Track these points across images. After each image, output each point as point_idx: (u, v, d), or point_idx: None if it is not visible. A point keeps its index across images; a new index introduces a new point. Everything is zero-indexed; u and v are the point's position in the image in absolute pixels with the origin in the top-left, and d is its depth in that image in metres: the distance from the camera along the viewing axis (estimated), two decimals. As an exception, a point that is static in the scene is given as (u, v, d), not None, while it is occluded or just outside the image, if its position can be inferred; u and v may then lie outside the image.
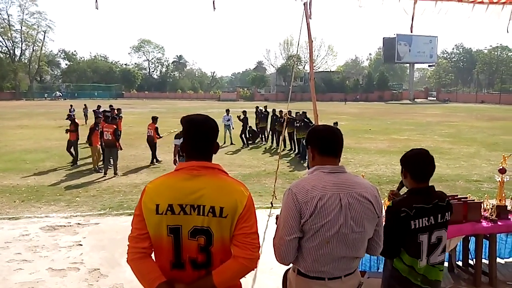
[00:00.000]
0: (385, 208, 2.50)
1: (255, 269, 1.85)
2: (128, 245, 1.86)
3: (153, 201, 1.79)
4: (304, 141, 11.61)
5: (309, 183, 1.97)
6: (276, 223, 2.11)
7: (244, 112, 16.76)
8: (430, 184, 2.53)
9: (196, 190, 1.78)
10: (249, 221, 1.82)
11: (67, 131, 12.01)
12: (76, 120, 12.40)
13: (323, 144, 2.08)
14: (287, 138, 14.89)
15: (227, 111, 17.17)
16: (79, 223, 6.42)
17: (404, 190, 2.93)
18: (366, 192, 2.01)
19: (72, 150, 11.93)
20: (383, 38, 79.91)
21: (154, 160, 12.31)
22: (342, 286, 2.01)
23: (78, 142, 12.08)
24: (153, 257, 1.88)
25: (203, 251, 1.80)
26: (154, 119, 12.56)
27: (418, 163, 2.48)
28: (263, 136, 17.37)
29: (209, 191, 1.79)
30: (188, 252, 1.80)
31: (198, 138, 1.88)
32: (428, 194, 2.47)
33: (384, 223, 2.45)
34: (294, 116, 14.22)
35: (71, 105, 22.85)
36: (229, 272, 1.80)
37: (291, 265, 2.16)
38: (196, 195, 1.78)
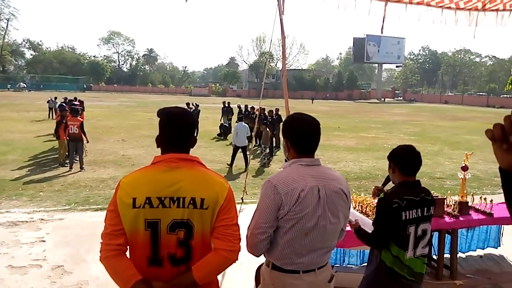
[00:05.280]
0: (366, 202, 2.53)
1: (236, 261, 1.81)
2: (101, 242, 1.77)
3: (129, 195, 1.72)
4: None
5: (289, 175, 1.98)
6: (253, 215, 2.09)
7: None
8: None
9: (175, 182, 1.74)
10: (230, 213, 1.80)
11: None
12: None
13: (300, 144, 2.08)
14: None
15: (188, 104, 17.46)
16: (42, 219, 6.19)
17: (389, 186, 3.00)
18: (341, 184, 2.06)
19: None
20: (353, 38, 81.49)
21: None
22: (315, 279, 2.04)
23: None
24: (128, 255, 1.80)
25: (183, 245, 1.75)
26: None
27: (406, 157, 2.58)
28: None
29: (188, 183, 1.75)
30: (166, 247, 1.74)
31: (176, 131, 1.83)
32: (416, 188, 2.58)
33: (375, 215, 2.57)
34: (267, 113, 14.27)
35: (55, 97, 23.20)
36: (210, 266, 1.75)
37: (263, 260, 2.16)
38: (175, 187, 1.73)
